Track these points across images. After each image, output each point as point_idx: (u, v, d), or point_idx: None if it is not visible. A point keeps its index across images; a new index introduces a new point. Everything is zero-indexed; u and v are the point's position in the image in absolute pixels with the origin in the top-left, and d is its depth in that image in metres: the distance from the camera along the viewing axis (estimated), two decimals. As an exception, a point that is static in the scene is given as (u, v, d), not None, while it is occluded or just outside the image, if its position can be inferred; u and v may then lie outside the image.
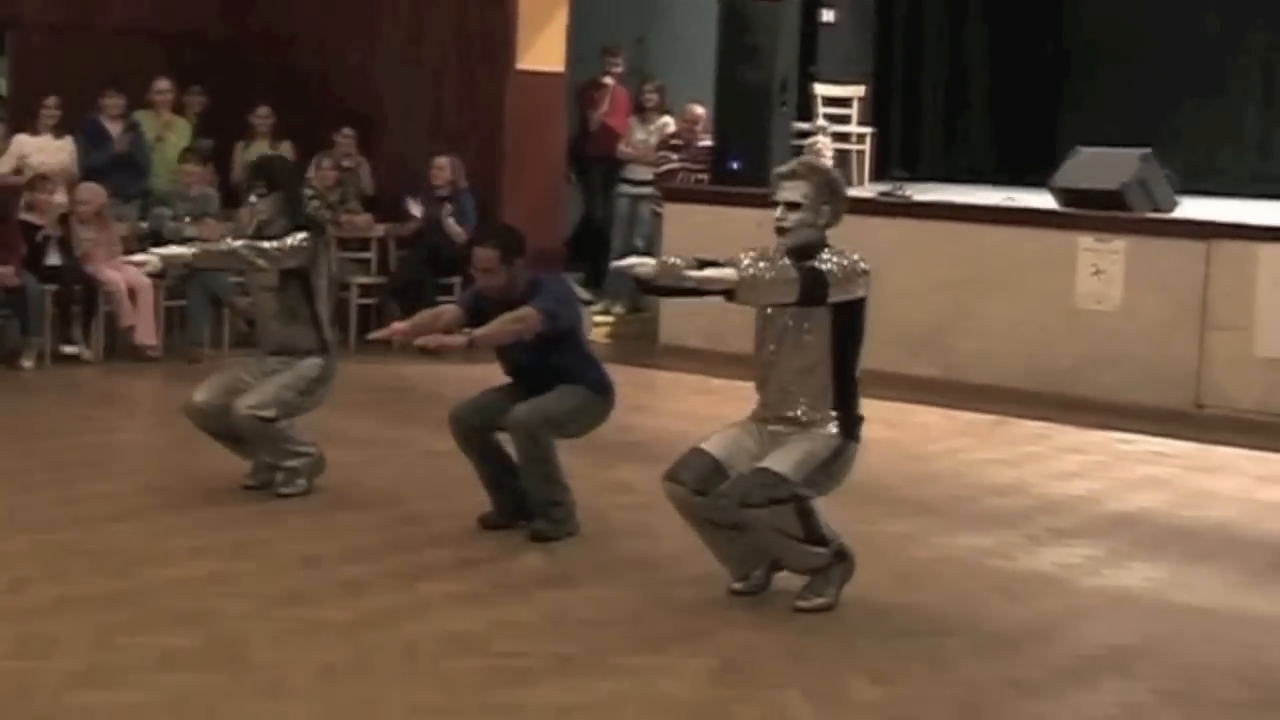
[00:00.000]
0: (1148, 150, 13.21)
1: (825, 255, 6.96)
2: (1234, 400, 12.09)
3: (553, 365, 8.12)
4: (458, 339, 7.93)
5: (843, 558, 7.16)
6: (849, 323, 7.04)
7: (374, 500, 8.89)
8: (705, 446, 7.21)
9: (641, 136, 15.75)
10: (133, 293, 13.13)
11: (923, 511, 9.16)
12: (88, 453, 10.09)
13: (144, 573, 7.40)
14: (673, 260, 6.98)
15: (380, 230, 14.59)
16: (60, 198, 13.52)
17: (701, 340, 14.01)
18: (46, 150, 14.09)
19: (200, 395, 9.05)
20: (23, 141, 14.14)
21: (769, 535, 6.99)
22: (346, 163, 14.74)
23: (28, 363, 12.71)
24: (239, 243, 8.86)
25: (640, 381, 13.39)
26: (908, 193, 14.07)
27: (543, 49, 14.97)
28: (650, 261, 7.01)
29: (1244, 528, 9.20)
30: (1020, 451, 11.03)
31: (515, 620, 6.93)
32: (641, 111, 15.94)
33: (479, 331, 7.92)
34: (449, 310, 8.41)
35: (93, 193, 13.44)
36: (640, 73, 16.60)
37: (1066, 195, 13.13)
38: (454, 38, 14.96)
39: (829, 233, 7.09)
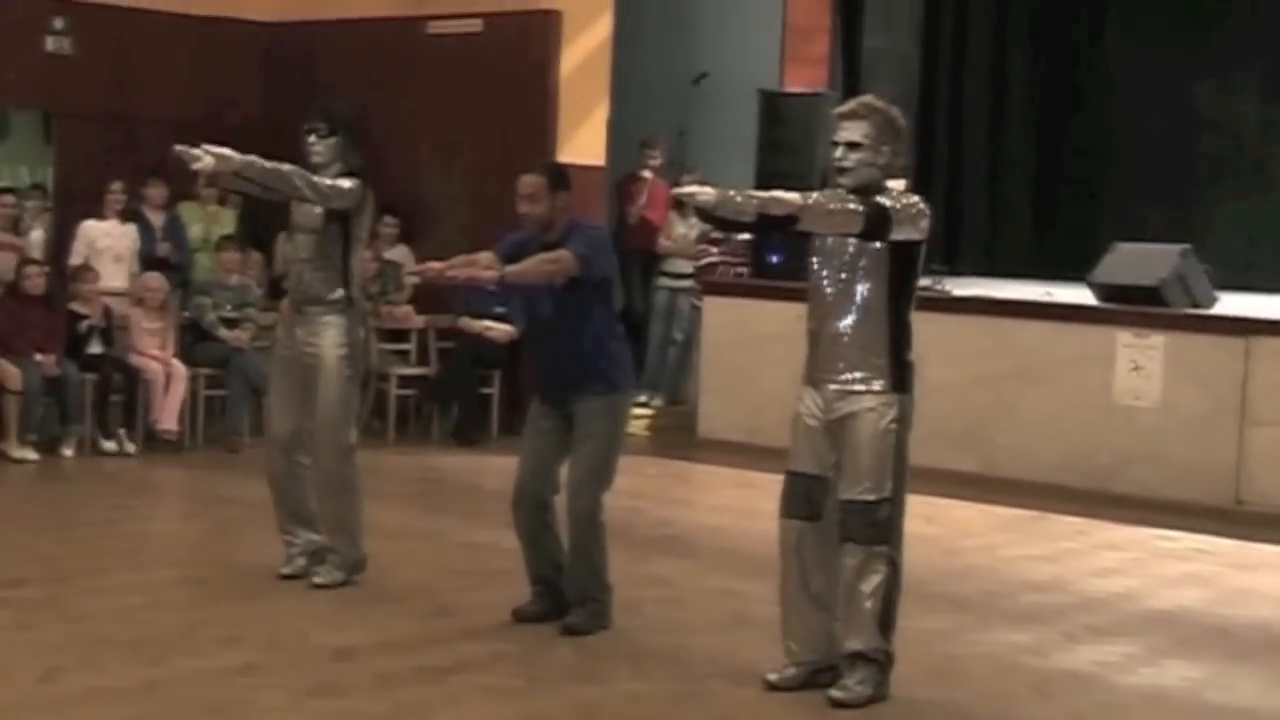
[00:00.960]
0: (1186, 246, 13.22)
1: (887, 194, 6.91)
2: (1274, 497, 12.02)
3: (576, 323, 7.96)
4: (489, 273, 7.80)
5: (891, 659, 7.11)
6: (905, 268, 6.95)
7: (408, 592, 8.88)
8: (796, 466, 7.11)
9: (681, 230, 15.79)
10: (167, 381, 13.21)
11: (958, 607, 9.11)
12: (124, 541, 10.13)
13: (177, 663, 7.40)
14: (731, 191, 6.82)
15: (420, 322, 14.63)
16: (117, 283, 13.65)
17: (740, 434, 14.01)
18: (113, 235, 14.17)
19: (276, 419, 9.00)
20: (90, 227, 14.17)
21: (850, 576, 6.92)
22: (388, 254, 14.82)
23: (68, 451, 12.78)
24: (291, 168, 8.66)
25: (678, 474, 13.44)
26: (947, 287, 14.08)
27: (583, 142, 15.05)
28: (710, 190, 6.77)
29: (1283, 626, 9.14)
30: (1058, 547, 10.97)
31: (547, 715, 6.91)
32: (680, 205, 15.98)
33: (512, 269, 7.80)
34: (485, 255, 8.15)
35: (159, 281, 13.59)
36: (680, 165, 16.66)
37: (1105, 291, 13.12)
38: (495, 131, 15.04)
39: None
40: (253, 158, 8.59)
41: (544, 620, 8.19)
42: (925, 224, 6.98)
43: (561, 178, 8.11)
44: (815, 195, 6.84)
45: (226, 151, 8.51)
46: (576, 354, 8.00)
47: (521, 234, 8.18)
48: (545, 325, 8.11)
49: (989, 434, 13.08)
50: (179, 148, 8.50)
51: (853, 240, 6.92)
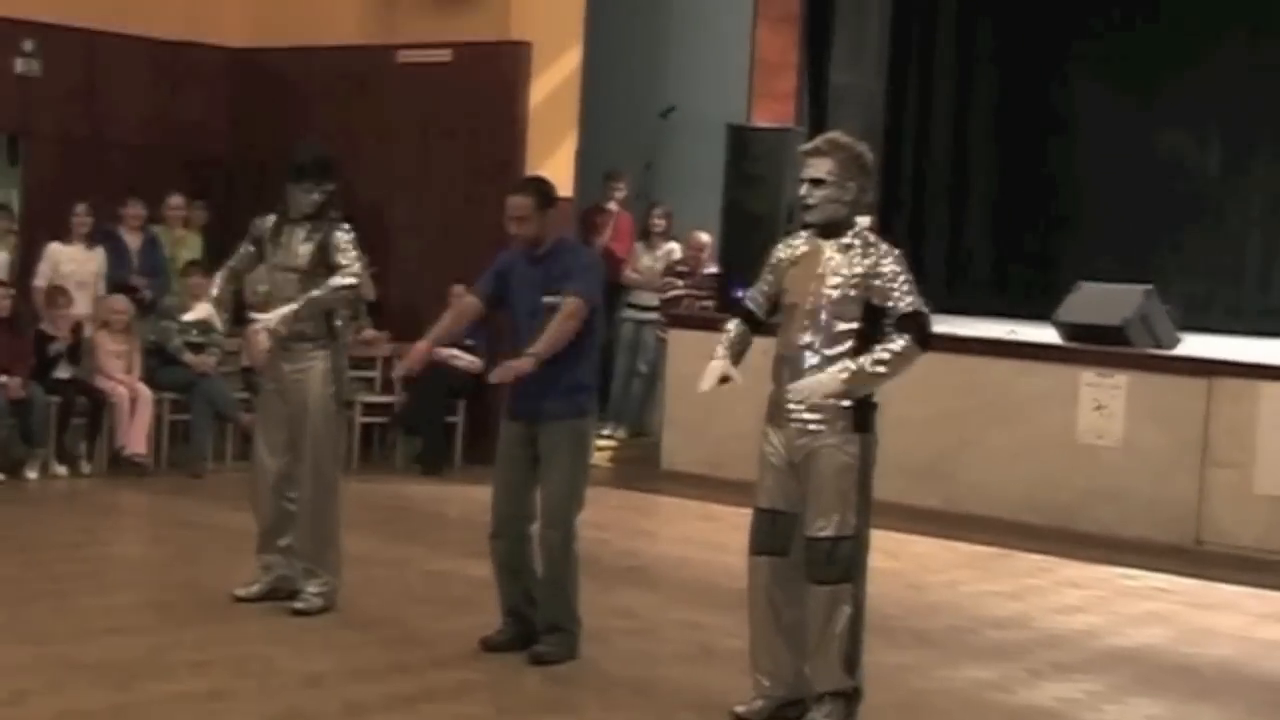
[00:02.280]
0: (1150, 286, 13.32)
1: (879, 257, 6.93)
2: (1234, 537, 12.11)
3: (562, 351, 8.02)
4: (527, 364, 7.91)
5: (859, 694, 7.14)
6: (875, 315, 6.98)
7: (376, 619, 8.87)
8: (764, 503, 7.13)
9: (647, 262, 15.83)
10: (133, 405, 13.18)
11: (924, 643, 9.14)
12: (88, 565, 10.09)
13: (145, 687, 7.39)
14: (868, 370, 6.88)
15: (388, 349, 14.61)
16: (81, 309, 13.64)
17: (704, 467, 14.05)
18: (78, 260, 14.08)
19: (268, 459, 9.02)
20: (55, 250, 14.07)
21: (819, 619, 6.94)
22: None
23: (31, 473, 12.74)
24: (335, 282, 8.79)
25: (642, 506, 13.45)
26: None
27: (551, 173, 14.71)
28: (838, 379, 6.87)
29: (1244, 665, 9.19)
30: (1021, 584, 11.02)
31: (516, 744, 6.92)
32: (647, 237, 16.03)
33: (540, 348, 7.92)
34: (467, 304, 8.39)
35: (124, 304, 13.58)
36: (646, 198, 16.71)
37: (1069, 330, 13.20)
38: (463, 161, 15.07)
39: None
40: (308, 298, 8.81)
41: (512, 649, 8.20)
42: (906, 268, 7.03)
43: (549, 196, 8.17)
44: (901, 344, 6.86)
45: (283, 311, 8.77)
46: (549, 372, 7.99)
47: (505, 256, 8.25)
48: (530, 339, 8.10)
49: (952, 470, 13.14)
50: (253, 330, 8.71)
51: (825, 290, 6.96)
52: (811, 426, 6.97)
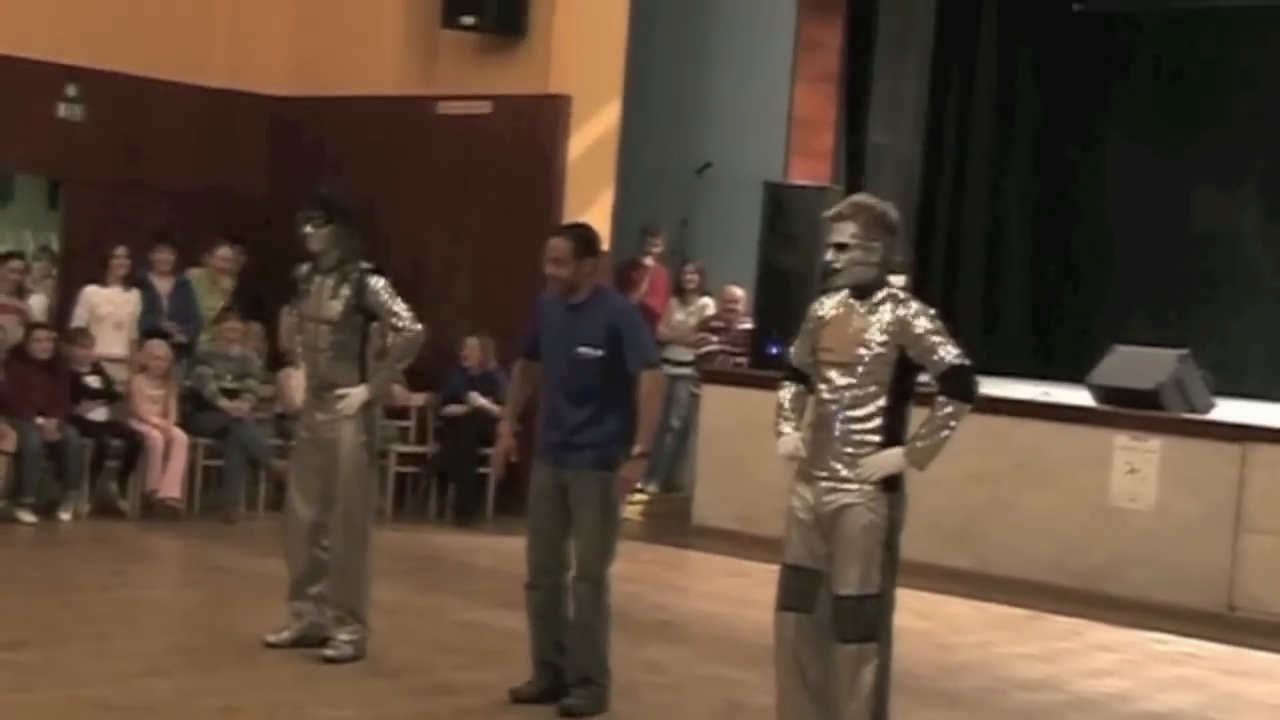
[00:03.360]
0: (1185, 351, 13.30)
1: (912, 313, 6.93)
2: (1267, 604, 12.05)
3: (591, 390, 8.05)
4: (638, 470, 8.12)
5: None
6: (909, 372, 6.99)
7: (405, 668, 8.88)
8: (791, 559, 7.10)
9: (681, 317, 15.87)
10: (167, 448, 13.25)
11: (953, 704, 9.12)
12: (121, 608, 10.14)
13: (175, 731, 7.42)
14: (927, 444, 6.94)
15: (420, 400, 14.66)
16: (118, 350, 13.78)
17: (735, 522, 14.04)
18: (115, 302, 14.14)
19: (302, 507, 9.05)
20: (92, 293, 14.13)
21: (845, 678, 6.92)
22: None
23: (65, 515, 12.80)
24: (403, 340, 8.92)
25: (672, 561, 13.46)
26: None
27: (587, 228, 15.12)
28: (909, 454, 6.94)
29: (1275, 734, 9.16)
30: (1052, 647, 11.00)
31: (544, 796, 6.92)
32: (681, 293, 16.07)
33: (644, 444, 8.07)
34: (524, 370, 8.44)
35: (164, 350, 13.69)
36: (681, 254, 16.76)
37: (1103, 393, 13.19)
38: (501, 214, 15.13)
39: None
40: (385, 370, 9.05)
41: (541, 701, 8.19)
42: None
43: (588, 245, 8.19)
44: (947, 408, 6.89)
45: (362, 394, 8.91)
46: (582, 421, 8.05)
47: (542, 302, 8.29)
48: (560, 384, 8.16)
49: (984, 531, 13.12)
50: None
51: (857, 349, 6.98)
52: (840, 484, 6.98)
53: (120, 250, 14.21)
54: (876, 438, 6.95)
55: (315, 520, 9.00)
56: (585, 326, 8.08)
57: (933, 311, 7.01)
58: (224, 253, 15.02)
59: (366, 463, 9.01)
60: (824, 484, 7.01)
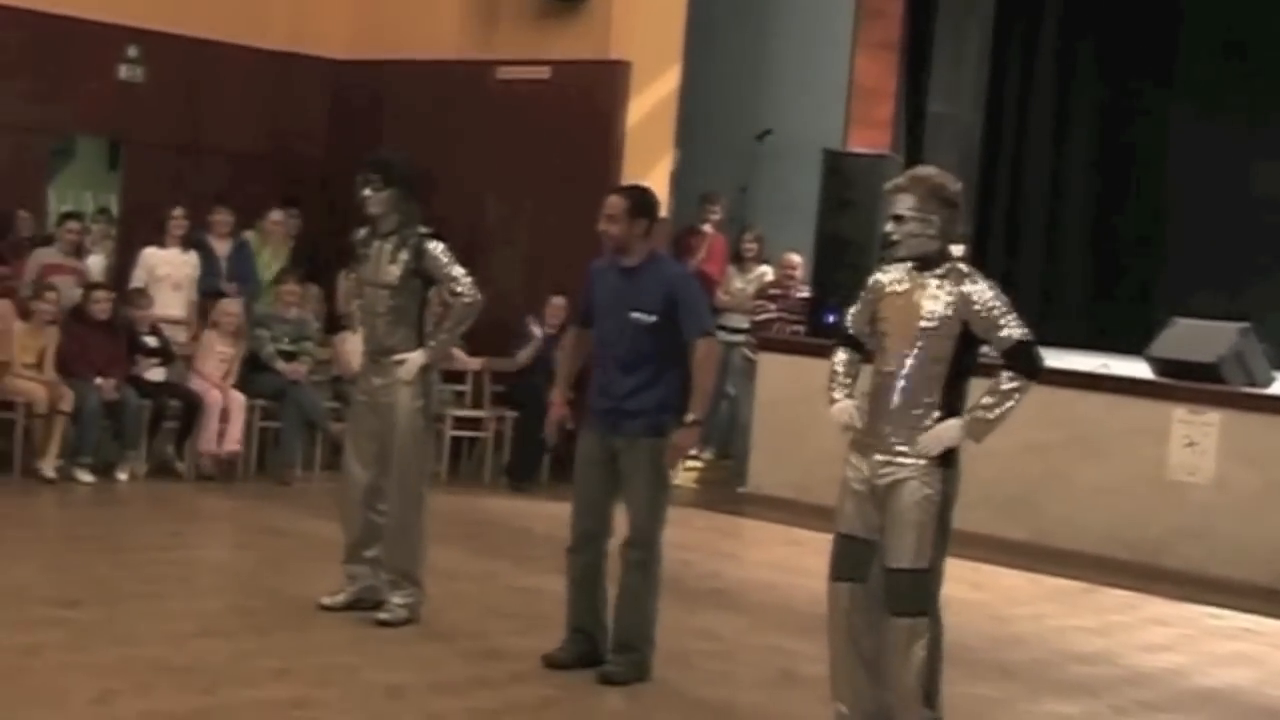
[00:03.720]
0: (1246, 324, 13.19)
1: (975, 287, 6.87)
2: (1325, 579, 11.98)
3: (644, 355, 8.03)
4: (692, 436, 8.09)
5: None
6: (971, 346, 6.95)
7: (459, 632, 8.90)
8: (845, 529, 7.08)
9: (739, 285, 15.83)
10: (226, 412, 13.30)
11: (1007, 676, 9.09)
12: (177, 568, 10.18)
13: (228, 692, 7.44)
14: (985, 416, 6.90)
15: (477, 364, 14.67)
16: (176, 311, 13.86)
17: (790, 490, 14.01)
18: (173, 263, 14.18)
19: (358, 471, 9.06)
20: (150, 254, 14.17)
21: (899, 651, 6.91)
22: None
23: (122, 475, 12.86)
24: (461, 306, 8.92)
25: (726, 529, 13.45)
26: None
27: (647, 193, 15.10)
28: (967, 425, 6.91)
29: (1332, 711, 9.09)
30: (1107, 620, 10.95)
31: (596, 762, 6.92)
32: (740, 260, 16.03)
33: (698, 409, 8.02)
34: (576, 338, 8.47)
35: (237, 307, 13.78)
36: (740, 221, 16.72)
37: (1162, 365, 13.11)
38: (559, 179, 15.12)
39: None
40: (444, 335, 9.07)
41: (575, 667, 8.18)
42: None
43: (644, 206, 8.14)
44: (1010, 382, 6.84)
45: (421, 353, 8.91)
46: (633, 387, 8.04)
47: (595, 268, 8.26)
48: (612, 349, 8.14)
49: (1039, 503, 13.06)
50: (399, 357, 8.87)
51: (920, 321, 6.94)
52: (896, 457, 6.95)
53: (178, 211, 14.23)
54: (935, 412, 6.91)
55: (370, 484, 9.02)
56: (640, 292, 8.04)
57: (996, 286, 6.96)
58: (276, 216, 15.07)
59: (423, 427, 9.02)
60: (879, 456, 6.97)
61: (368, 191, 8.93)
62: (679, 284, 8.17)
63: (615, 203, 8.10)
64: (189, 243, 14.32)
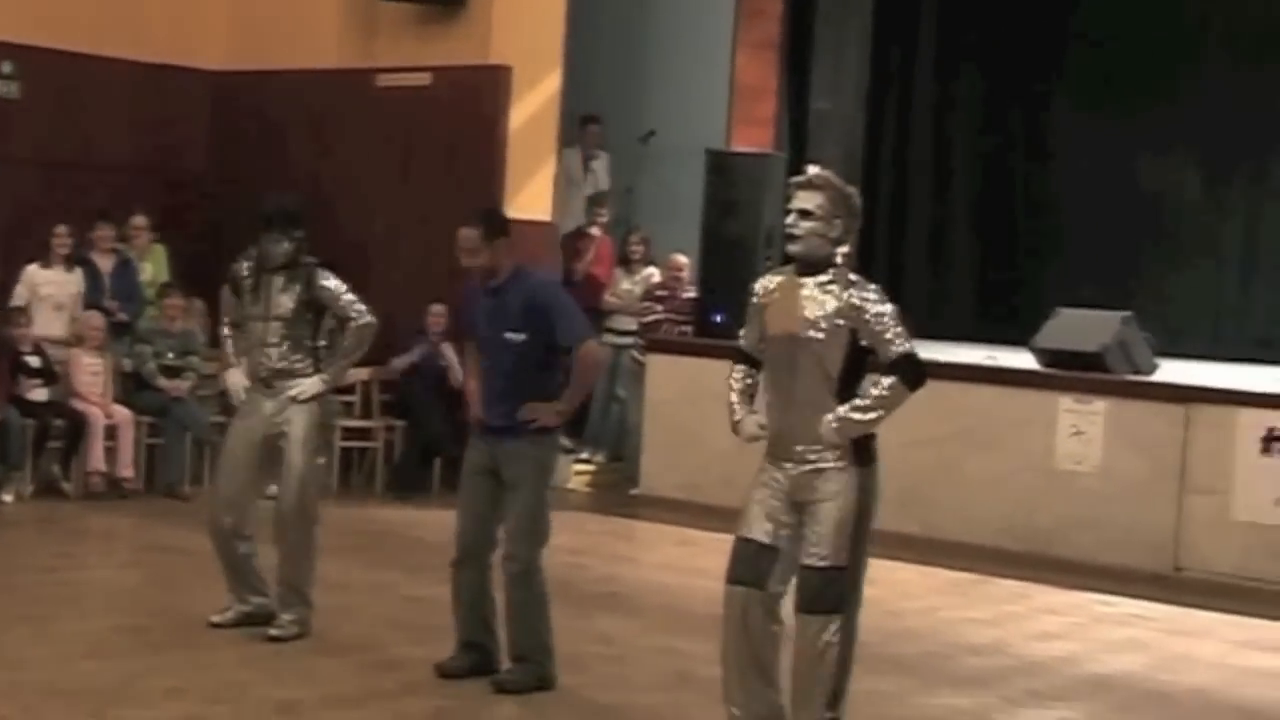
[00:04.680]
0: (1128, 313, 13.34)
1: (863, 296, 6.86)
2: (1212, 564, 12.12)
3: (523, 365, 8.01)
4: (554, 419, 8.04)
5: None
6: (863, 351, 6.93)
7: (353, 645, 8.85)
8: (747, 533, 7.03)
9: (627, 286, 15.83)
10: (112, 429, 13.16)
11: (901, 670, 9.13)
12: (65, 589, 10.05)
13: (119, 713, 7.35)
14: (858, 416, 6.87)
15: (364, 374, 14.59)
16: (58, 331, 13.68)
17: (681, 491, 14.04)
18: (57, 282, 14.02)
19: (221, 509, 8.97)
20: (33, 272, 14.01)
21: (808, 650, 6.90)
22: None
23: (7, 497, 12.70)
24: (354, 330, 8.91)
25: (619, 531, 13.45)
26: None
27: (531, 198, 15.11)
28: (857, 419, 6.86)
29: (1222, 693, 9.19)
30: (999, 611, 11.03)
31: (492, 771, 6.90)
32: (627, 262, 16.03)
33: (567, 403, 8.07)
34: (470, 361, 8.43)
35: (100, 320, 13.64)
36: (626, 223, 16.72)
37: (1047, 356, 13.22)
38: (443, 184, 15.07)
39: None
40: (333, 368, 9.04)
41: (467, 676, 8.14)
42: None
43: (496, 226, 8.13)
44: (888, 387, 6.83)
45: (316, 386, 8.94)
46: (515, 395, 8.00)
47: (468, 290, 8.26)
48: (492, 366, 8.13)
49: (930, 496, 13.13)
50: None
51: (806, 328, 6.93)
52: (813, 460, 6.93)
53: (61, 229, 14.08)
54: (836, 411, 6.92)
55: (237, 517, 8.93)
56: (507, 311, 8.04)
57: (880, 293, 6.95)
58: (137, 220, 14.89)
59: (315, 449, 9.00)
60: (794, 464, 6.96)
61: (279, 244, 8.91)
62: (543, 295, 8.18)
63: (469, 236, 8.07)
64: (73, 261, 14.14)
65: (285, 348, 8.92)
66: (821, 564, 6.88)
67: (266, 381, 8.99)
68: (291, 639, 8.76)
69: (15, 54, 15.36)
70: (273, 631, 8.79)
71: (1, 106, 15.42)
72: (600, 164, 16.85)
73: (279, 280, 8.94)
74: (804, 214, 6.97)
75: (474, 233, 8.06)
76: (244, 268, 9.09)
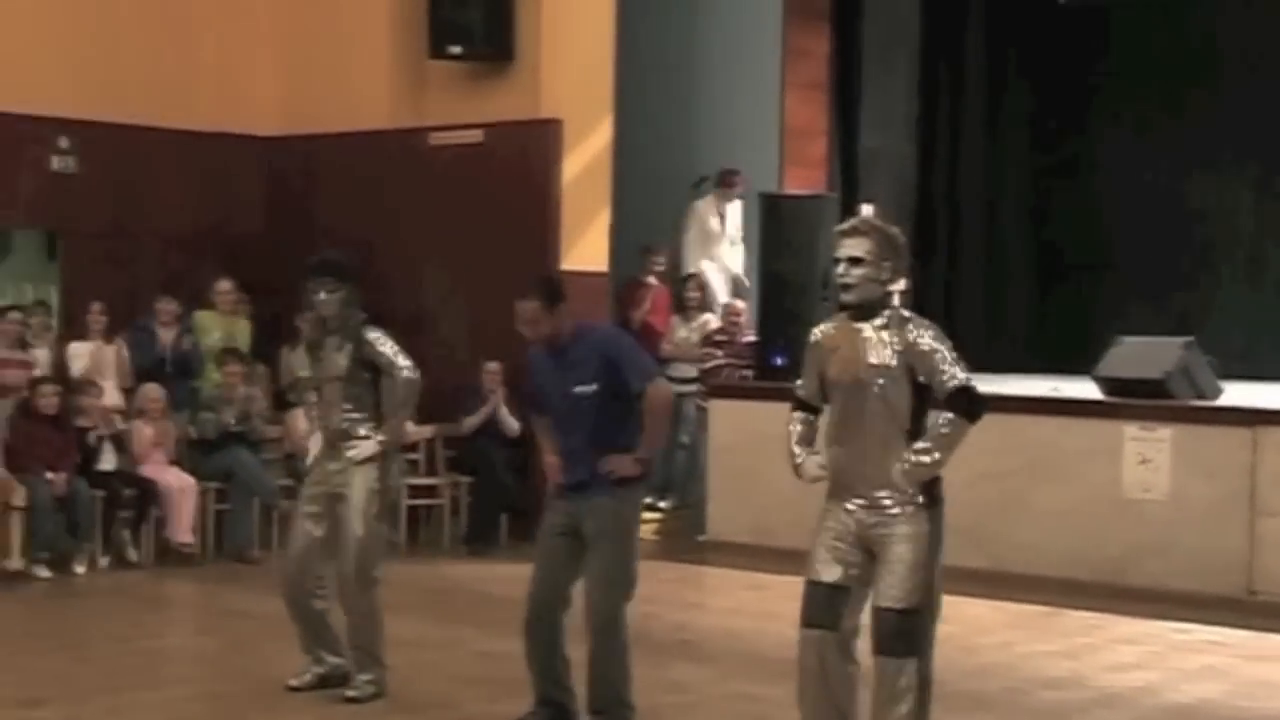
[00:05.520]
0: (1190, 339, 13.28)
1: (918, 334, 6.87)
2: (1286, 587, 12.03)
3: (599, 420, 8.00)
4: (634, 468, 8.00)
5: None
6: (925, 388, 6.93)
7: (429, 703, 8.87)
8: (817, 576, 7.04)
9: (684, 334, 15.85)
10: (177, 494, 13.26)
11: (979, 706, 9.09)
12: (139, 659, 10.12)
13: (200, 781, 7.40)
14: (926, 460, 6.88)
15: (429, 432, 14.63)
16: (110, 400, 13.73)
17: (748, 535, 14.02)
18: (95, 357, 14.17)
19: (294, 569, 9.03)
20: (73, 349, 14.23)
21: (884, 692, 6.88)
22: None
23: (79, 568, 12.78)
24: (400, 386, 8.92)
25: (689, 578, 13.44)
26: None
27: (586, 249, 15.15)
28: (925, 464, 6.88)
29: (1303, 718, 9.12)
30: (1073, 643, 10.97)
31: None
32: (683, 309, 16.05)
33: (645, 450, 8.07)
34: (543, 433, 8.38)
35: (158, 391, 13.73)
36: (681, 270, 16.73)
37: (1110, 384, 13.17)
38: (498, 240, 15.12)
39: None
40: (392, 421, 9.02)
41: None
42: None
43: (555, 293, 8.13)
44: (946, 425, 6.85)
45: (374, 441, 8.93)
46: (593, 452, 7.99)
47: (533, 355, 8.27)
48: (566, 426, 8.13)
49: (998, 530, 13.07)
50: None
51: (868, 371, 6.95)
52: (884, 503, 6.93)
53: (96, 306, 14.36)
54: (906, 451, 6.91)
55: (308, 575, 8.98)
56: (575, 367, 8.06)
57: (935, 330, 6.97)
58: (223, 285, 15.01)
59: (376, 514, 9.01)
60: (862, 504, 6.96)
61: (322, 295, 8.96)
62: (608, 345, 8.21)
63: (529, 309, 8.06)
64: (111, 334, 14.31)
65: (348, 408, 8.97)
66: (898, 605, 6.86)
67: (330, 442, 9.05)
68: (369, 699, 8.78)
69: (72, 129, 15.53)
70: (350, 693, 8.82)
71: (60, 181, 15.57)
72: (734, 208, 16.80)
73: (334, 340, 9.00)
74: (854, 261, 6.99)
75: (534, 305, 8.06)
76: (308, 327, 9.16)
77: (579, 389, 8.00)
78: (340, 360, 8.97)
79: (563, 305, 8.11)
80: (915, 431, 6.93)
